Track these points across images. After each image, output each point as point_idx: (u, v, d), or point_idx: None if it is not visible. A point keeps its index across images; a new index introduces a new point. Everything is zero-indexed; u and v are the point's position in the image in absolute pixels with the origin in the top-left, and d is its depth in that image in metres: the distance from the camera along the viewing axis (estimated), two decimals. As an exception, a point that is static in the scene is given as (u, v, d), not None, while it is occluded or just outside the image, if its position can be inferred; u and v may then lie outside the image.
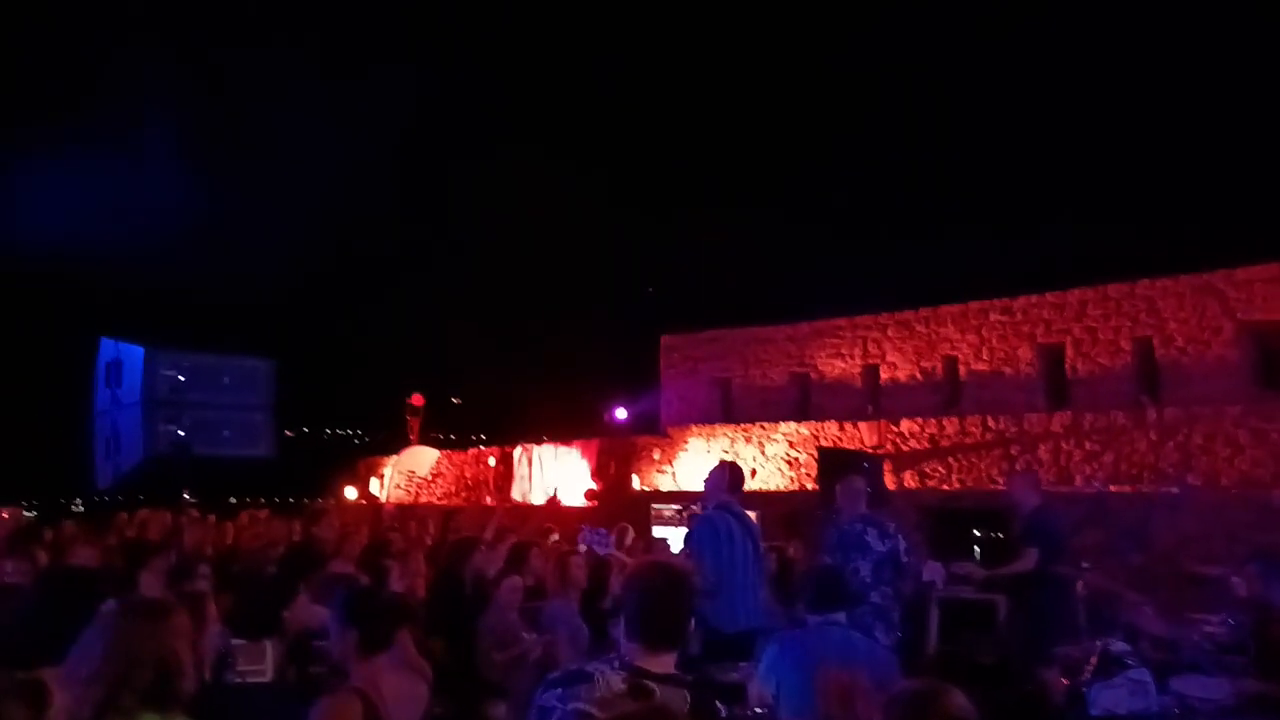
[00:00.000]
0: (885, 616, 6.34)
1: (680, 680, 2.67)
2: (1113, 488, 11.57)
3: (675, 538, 8.60)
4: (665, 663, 2.69)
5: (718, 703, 2.74)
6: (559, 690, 2.58)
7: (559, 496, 17.91)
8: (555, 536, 9.10)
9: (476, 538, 7.26)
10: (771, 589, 6.61)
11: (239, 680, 4.74)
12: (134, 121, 29.06)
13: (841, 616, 4.14)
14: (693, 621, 6.28)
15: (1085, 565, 7.20)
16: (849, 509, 6.67)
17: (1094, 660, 4.48)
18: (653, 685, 2.57)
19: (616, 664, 2.67)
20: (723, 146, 34.32)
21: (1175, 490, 10.38)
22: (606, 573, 6.92)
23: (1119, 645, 4.58)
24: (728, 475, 6.27)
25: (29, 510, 16.71)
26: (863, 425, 15.53)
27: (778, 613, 6.39)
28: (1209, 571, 7.13)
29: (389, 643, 3.43)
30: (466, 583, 6.58)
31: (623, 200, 32.80)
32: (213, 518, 11.79)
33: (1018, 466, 13.10)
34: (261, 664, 4.97)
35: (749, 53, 33.84)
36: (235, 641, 4.94)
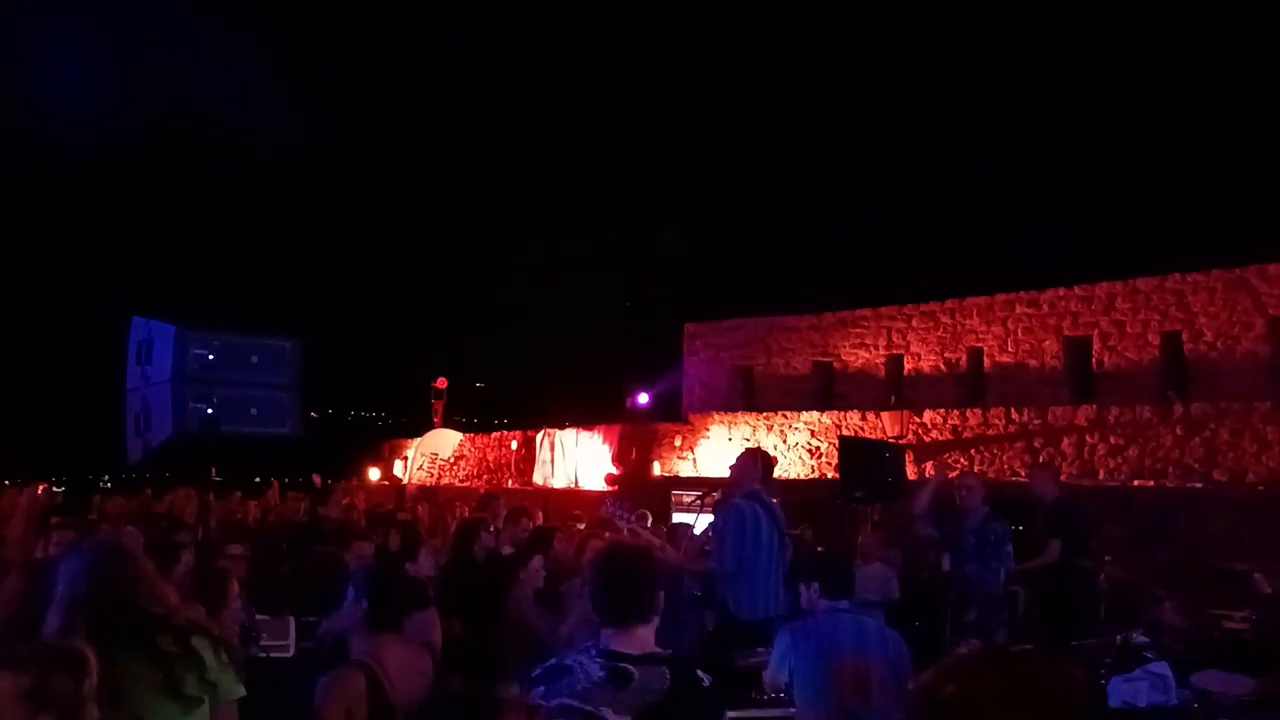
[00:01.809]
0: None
1: (658, 658, 2.64)
2: (1136, 482, 11.48)
3: (695, 524, 8.62)
4: (641, 640, 2.67)
5: (699, 672, 2.68)
6: (542, 687, 2.58)
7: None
8: (582, 525, 9.16)
9: (482, 518, 7.27)
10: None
11: (263, 655, 4.81)
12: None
13: (846, 604, 4.10)
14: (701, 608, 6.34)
15: (1108, 559, 7.16)
16: (974, 507, 6.67)
17: (1114, 653, 4.47)
18: (630, 668, 2.56)
19: (594, 652, 2.65)
20: (750, 138, 34.25)
21: (1200, 486, 10.28)
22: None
23: (1139, 638, 4.56)
24: (760, 464, 6.24)
25: (58, 485, 16.96)
26: (885, 415, 15.47)
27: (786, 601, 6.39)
28: (1233, 568, 7.08)
29: (398, 625, 3.48)
30: (480, 562, 6.59)
31: (648, 190, 32.84)
32: (238, 494, 11.97)
33: (1041, 459, 13.02)
34: (285, 639, 5.04)
35: (773, 42, 33.68)
36: (260, 617, 5.01)
